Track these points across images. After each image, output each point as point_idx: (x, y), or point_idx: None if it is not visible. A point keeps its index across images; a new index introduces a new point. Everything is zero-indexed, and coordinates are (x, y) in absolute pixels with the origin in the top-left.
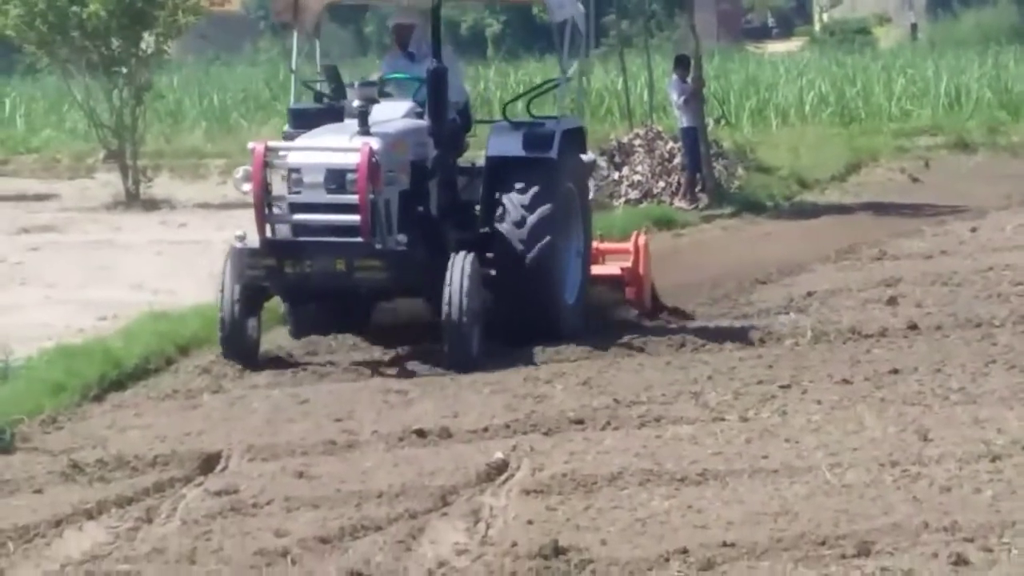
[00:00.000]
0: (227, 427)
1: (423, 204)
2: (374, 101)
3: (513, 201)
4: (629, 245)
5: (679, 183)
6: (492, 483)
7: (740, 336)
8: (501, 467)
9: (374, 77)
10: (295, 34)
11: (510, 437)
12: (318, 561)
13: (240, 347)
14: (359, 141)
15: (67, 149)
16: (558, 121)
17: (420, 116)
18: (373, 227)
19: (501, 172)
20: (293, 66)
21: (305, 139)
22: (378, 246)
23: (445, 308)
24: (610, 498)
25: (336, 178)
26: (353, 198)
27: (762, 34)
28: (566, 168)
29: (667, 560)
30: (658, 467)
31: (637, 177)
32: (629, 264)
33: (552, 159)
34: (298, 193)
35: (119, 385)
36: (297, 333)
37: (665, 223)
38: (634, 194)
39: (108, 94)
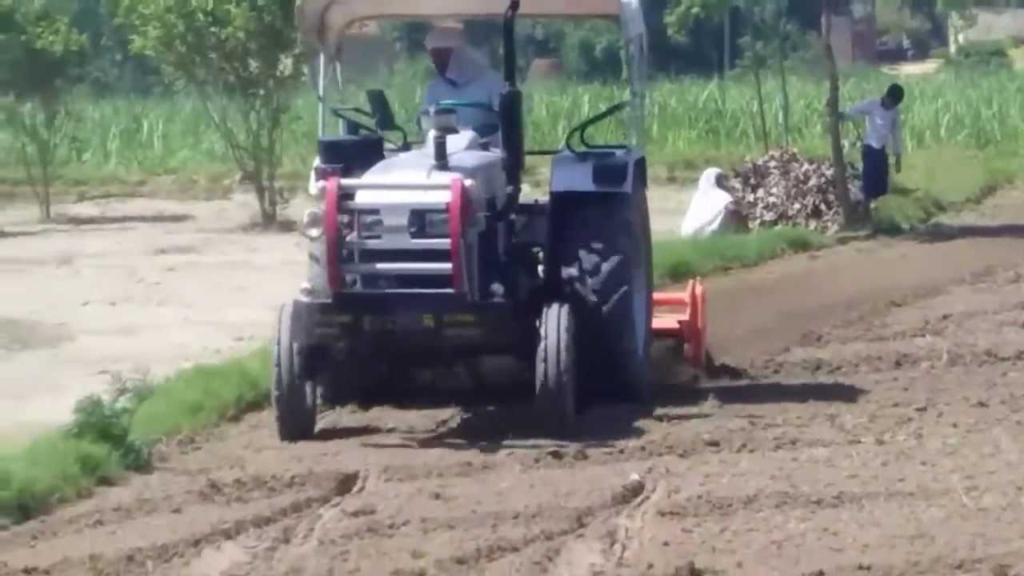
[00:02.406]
0: (363, 448)
1: (495, 248)
2: (452, 130)
3: (585, 243)
4: (684, 295)
5: (814, 205)
6: (628, 505)
7: (876, 359)
8: (637, 489)
9: (431, 108)
10: (320, 57)
11: (645, 459)
12: None
13: (299, 420)
14: (445, 176)
15: (204, 170)
16: (628, 151)
17: (485, 147)
18: (466, 276)
19: (569, 209)
20: (320, 93)
21: (376, 175)
22: (468, 298)
23: (540, 366)
24: (745, 520)
25: (422, 220)
26: (444, 243)
27: (897, 56)
28: (637, 203)
29: None
30: (794, 489)
31: (772, 199)
32: (686, 317)
33: (627, 194)
34: (377, 238)
35: (256, 406)
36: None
37: (800, 245)
38: (769, 216)
39: (245, 115)
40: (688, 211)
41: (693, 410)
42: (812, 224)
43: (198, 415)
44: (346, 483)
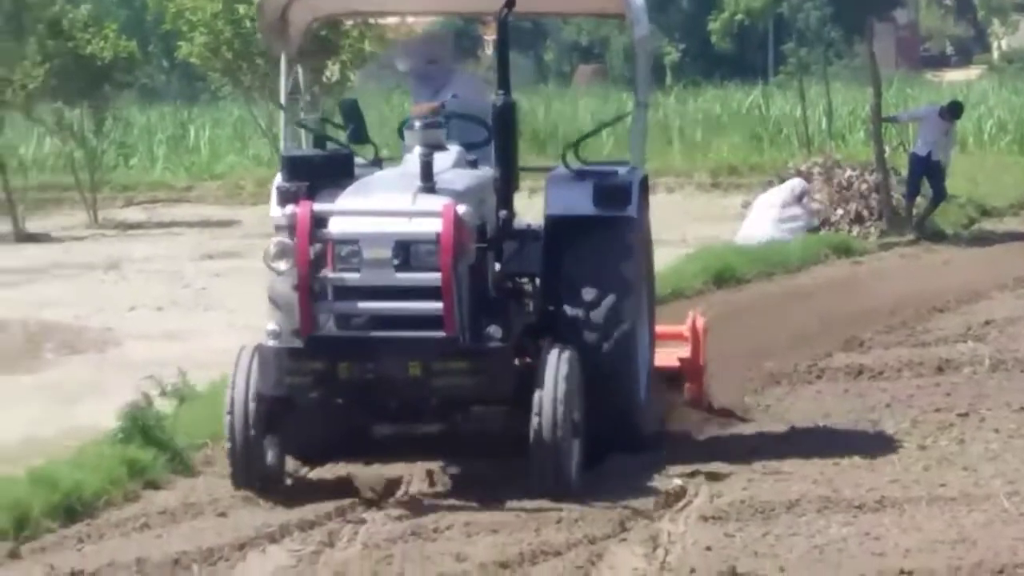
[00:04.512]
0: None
1: (485, 282)
2: (441, 147)
3: (586, 273)
4: (684, 329)
5: (857, 211)
6: (670, 509)
7: (918, 364)
8: (679, 493)
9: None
10: (283, 60)
11: (688, 464)
12: None
13: (258, 479)
14: (435, 201)
15: (250, 175)
16: (631, 168)
17: (474, 164)
18: (458, 317)
19: (566, 235)
20: (282, 100)
21: (353, 199)
22: (461, 341)
23: (535, 419)
24: (788, 525)
25: (408, 252)
26: (433, 278)
27: (940, 62)
28: (642, 227)
29: None
30: (835, 494)
31: (815, 205)
32: (687, 354)
33: (632, 218)
34: (355, 272)
35: None
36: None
37: (843, 251)
38: (813, 222)
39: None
40: (754, 215)
41: (736, 414)
42: (855, 230)
43: None
44: (390, 487)
